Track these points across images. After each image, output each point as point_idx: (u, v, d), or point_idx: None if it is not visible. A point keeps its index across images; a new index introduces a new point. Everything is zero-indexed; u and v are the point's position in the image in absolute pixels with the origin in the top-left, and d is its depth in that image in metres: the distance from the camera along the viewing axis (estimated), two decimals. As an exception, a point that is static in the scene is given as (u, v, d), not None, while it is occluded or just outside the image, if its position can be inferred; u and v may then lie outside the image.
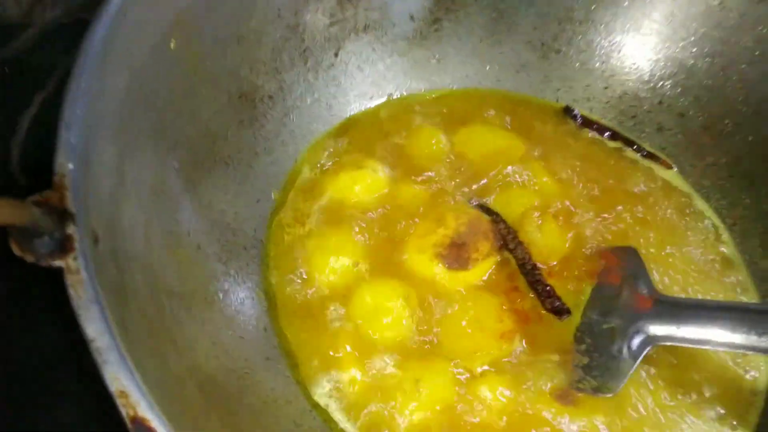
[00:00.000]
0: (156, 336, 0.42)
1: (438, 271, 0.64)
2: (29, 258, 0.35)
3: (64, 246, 0.36)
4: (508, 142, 0.78)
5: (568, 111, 0.81)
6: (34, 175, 0.69)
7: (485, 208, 0.70)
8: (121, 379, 0.34)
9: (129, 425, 0.33)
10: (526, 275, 0.63)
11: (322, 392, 0.56)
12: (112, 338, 0.35)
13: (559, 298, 0.61)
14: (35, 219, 0.35)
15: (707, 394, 0.60)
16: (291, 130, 0.70)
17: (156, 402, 0.34)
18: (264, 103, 0.66)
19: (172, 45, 0.54)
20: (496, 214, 0.69)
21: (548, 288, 0.61)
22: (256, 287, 0.59)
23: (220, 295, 0.54)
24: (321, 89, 0.73)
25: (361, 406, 0.56)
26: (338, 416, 0.55)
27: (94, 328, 0.34)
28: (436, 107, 0.79)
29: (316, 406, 0.55)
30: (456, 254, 0.65)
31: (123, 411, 0.33)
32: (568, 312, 0.60)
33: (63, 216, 0.37)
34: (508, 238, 0.66)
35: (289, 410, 0.53)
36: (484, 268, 0.65)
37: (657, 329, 0.58)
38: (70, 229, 0.36)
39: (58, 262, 0.35)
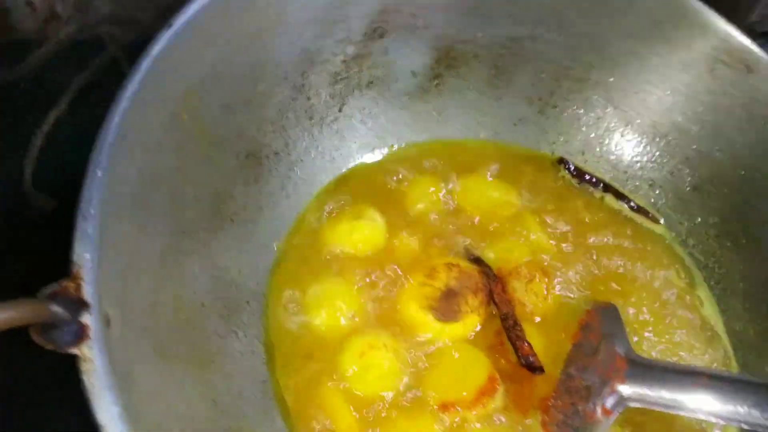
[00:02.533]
0: (160, 408, 0.46)
1: (428, 322, 0.68)
2: (50, 347, 0.39)
3: (79, 334, 0.40)
4: (505, 194, 0.81)
5: (562, 162, 0.85)
6: (48, 193, 0.72)
7: (477, 260, 0.73)
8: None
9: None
10: (507, 330, 0.66)
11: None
12: (123, 424, 0.39)
13: (533, 355, 0.64)
14: (53, 314, 0.39)
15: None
16: (295, 183, 0.73)
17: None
18: (270, 160, 0.70)
19: (184, 118, 0.57)
20: (487, 267, 0.72)
21: (525, 344, 0.65)
22: (255, 340, 0.63)
23: (222, 352, 0.58)
24: (325, 143, 0.76)
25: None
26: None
27: (105, 416, 0.38)
28: (435, 158, 0.82)
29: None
30: (446, 306, 0.68)
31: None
32: (540, 369, 0.64)
33: (79, 305, 0.41)
34: (495, 292, 0.70)
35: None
36: (473, 322, 0.69)
37: (630, 390, 0.61)
38: (85, 318, 0.41)
39: (73, 350, 0.40)
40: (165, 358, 0.50)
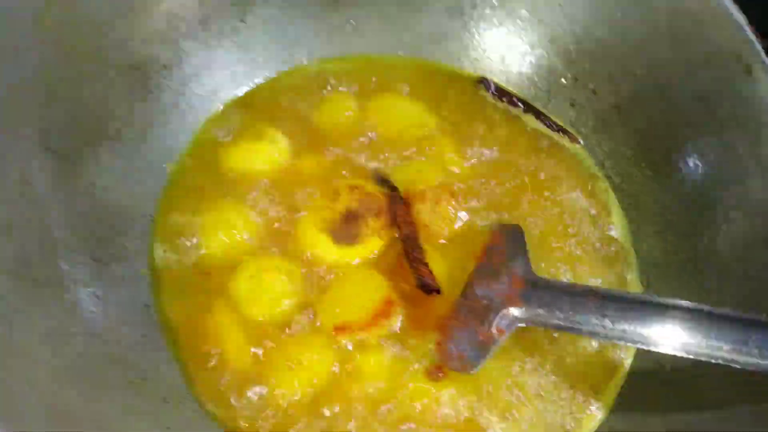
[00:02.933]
0: (10, 324, 0.44)
1: (326, 245, 0.66)
2: None
3: None
4: (420, 114, 0.78)
5: (482, 81, 0.81)
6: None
7: (384, 180, 0.71)
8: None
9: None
10: (407, 252, 0.65)
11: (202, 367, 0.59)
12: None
13: (431, 276, 0.63)
14: None
15: (567, 372, 0.64)
16: (189, 100, 0.69)
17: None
18: (159, 74, 0.66)
19: (47, 24, 0.52)
20: (394, 189, 0.70)
21: (423, 266, 0.64)
22: (141, 265, 0.61)
23: (97, 276, 0.56)
24: (224, 57, 0.72)
25: (241, 387, 0.59)
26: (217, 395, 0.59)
27: None
28: (348, 76, 0.78)
29: (190, 382, 0.58)
30: (345, 229, 0.67)
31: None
32: (437, 291, 0.63)
33: None
34: (398, 214, 0.68)
35: (160, 387, 0.56)
36: (373, 245, 0.67)
37: (522, 311, 0.61)
38: None
39: None
40: (23, 281, 0.47)
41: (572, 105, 0.81)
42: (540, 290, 0.62)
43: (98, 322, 0.53)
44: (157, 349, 0.58)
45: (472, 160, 0.75)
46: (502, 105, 0.81)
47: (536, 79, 0.82)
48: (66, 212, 0.55)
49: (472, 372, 0.61)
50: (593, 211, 0.76)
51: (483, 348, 0.61)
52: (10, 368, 0.42)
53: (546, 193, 0.75)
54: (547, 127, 0.80)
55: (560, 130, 0.81)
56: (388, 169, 0.72)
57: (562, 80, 0.81)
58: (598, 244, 0.73)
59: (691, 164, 0.71)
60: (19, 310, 0.46)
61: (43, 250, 0.51)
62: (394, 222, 0.68)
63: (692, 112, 0.71)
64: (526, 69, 0.82)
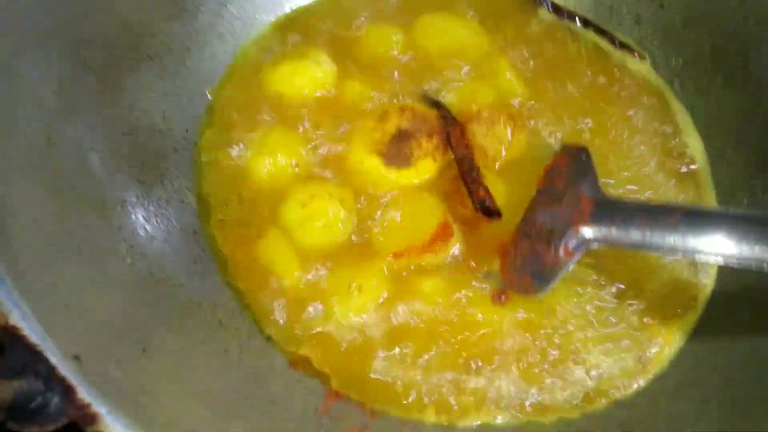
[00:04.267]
0: (51, 244, 0.41)
1: (377, 168, 0.62)
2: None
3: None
4: (471, 33, 0.73)
5: (538, -3, 0.75)
6: None
7: (435, 103, 0.66)
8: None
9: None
10: (463, 174, 0.61)
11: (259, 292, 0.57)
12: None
13: (490, 198, 0.59)
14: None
15: (643, 297, 0.60)
16: (229, 21, 0.65)
17: (33, 310, 0.34)
18: (196, -7, 0.62)
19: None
20: (446, 110, 0.65)
21: (480, 188, 0.59)
22: (186, 190, 0.58)
23: (143, 198, 0.54)
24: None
25: (298, 312, 0.57)
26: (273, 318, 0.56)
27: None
28: (395, -4, 0.73)
29: (246, 307, 0.56)
30: (397, 151, 0.62)
31: (-7, 321, 0.33)
32: (498, 214, 0.59)
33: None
34: (452, 135, 0.63)
35: (215, 313, 0.53)
36: (427, 167, 0.63)
37: (593, 232, 0.56)
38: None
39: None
40: (62, 198, 0.45)
41: (637, 22, 0.75)
42: (611, 209, 0.57)
43: (147, 246, 0.51)
44: (209, 275, 0.55)
45: (530, 81, 0.70)
46: (561, 22, 0.75)
47: (596, -7, 0.76)
48: (107, 132, 0.52)
49: (539, 296, 0.56)
50: (667, 130, 0.69)
51: (550, 271, 0.57)
52: (55, 285, 0.40)
53: (612, 114, 0.69)
54: (611, 43, 0.74)
55: (624, 46, 0.74)
56: (441, 90, 0.68)
57: (625, -6, 0.75)
58: (671, 165, 0.68)
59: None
60: (63, 231, 0.43)
61: (85, 170, 0.49)
62: (448, 144, 0.63)
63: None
64: (585, -17, 0.76)
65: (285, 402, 0.50)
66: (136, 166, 0.54)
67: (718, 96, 0.69)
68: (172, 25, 0.60)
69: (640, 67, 0.74)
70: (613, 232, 0.56)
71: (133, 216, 0.52)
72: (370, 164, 0.62)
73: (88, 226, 0.46)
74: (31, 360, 0.33)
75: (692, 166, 0.67)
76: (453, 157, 0.63)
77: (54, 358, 0.34)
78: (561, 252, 0.57)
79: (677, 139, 0.69)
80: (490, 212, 0.59)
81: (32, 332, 0.34)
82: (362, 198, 0.61)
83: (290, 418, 0.49)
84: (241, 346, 0.52)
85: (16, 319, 0.34)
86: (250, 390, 0.49)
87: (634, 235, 0.55)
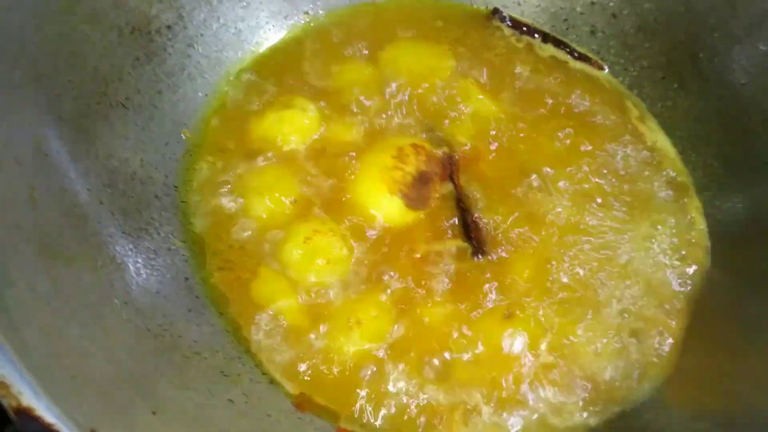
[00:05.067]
0: (50, 311, 0.39)
1: (400, 209, 0.62)
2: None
3: None
4: (438, 57, 0.74)
5: (496, 12, 0.77)
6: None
7: (440, 141, 0.67)
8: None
9: (13, 418, 0.32)
10: (464, 212, 0.62)
11: (257, 333, 0.56)
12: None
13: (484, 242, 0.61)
14: None
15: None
16: (197, 61, 0.64)
17: (45, 388, 0.33)
18: (162, 35, 0.61)
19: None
20: (451, 148, 0.66)
21: (481, 230, 0.61)
22: (172, 236, 0.57)
23: (130, 251, 0.52)
24: (227, 13, 0.67)
25: (298, 345, 0.56)
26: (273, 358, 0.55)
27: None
28: (357, 25, 0.74)
29: (246, 351, 0.55)
30: (418, 194, 0.62)
31: (5, 403, 0.32)
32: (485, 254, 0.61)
33: None
34: (455, 175, 0.64)
35: (216, 361, 0.52)
36: (440, 210, 0.63)
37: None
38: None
39: None
40: (54, 258, 0.43)
41: (593, 33, 0.78)
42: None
43: (140, 299, 0.50)
44: (205, 321, 0.54)
45: (502, 98, 0.71)
46: (519, 37, 0.77)
47: (551, 8, 0.78)
48: (87, 184, 0.50)
49: None
50: (634, 133, 0.72)
51: None
52: (59, 355, 0.38)
53: (579, 122, 0.72)
54: (569, 54, 0.77)
55: (582, 57, 0.77)
56: (431, 121, 0.68)
57: (578, 8, 0.78)
58: (645, 167, 0.69)
59: (727, 71, 0.68)
60: (58, 294, 0.41)
61: (71, 225, 0.47)
62: (452, 182, 0.64)
63: (719, 17, 0.68)
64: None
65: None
66: (120, 218, 0.52)
67: (677, 99, 0.73)
68: (141, 70, 0.59)
69: (599, 75, 0.76)
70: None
71: (123, 270, 0.50)
72: (391, 205, 0.62)
73: (81, 287, 0.44)
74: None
75: (669, 172, 0.70)
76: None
77: (71, 434, 0.32)
78: None
79: (647, 143, 0.72)
80: (483, 252, 0.60)
81: (47, 412, 0.32)
82: (360, 235, 0.61)
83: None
84: (245, 394, 0.51)
85: (29, 399, 0.32)
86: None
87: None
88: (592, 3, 0.77)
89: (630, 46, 0.76)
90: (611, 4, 0.75)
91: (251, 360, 0.54)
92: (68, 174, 0.48)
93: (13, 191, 0.42)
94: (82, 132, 0.51)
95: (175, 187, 0.59)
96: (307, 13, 0.73)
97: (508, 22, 0.77)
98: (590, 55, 0.77)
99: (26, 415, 0.32)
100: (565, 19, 0.78)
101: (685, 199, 0.67)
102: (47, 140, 0.47)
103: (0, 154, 0.42)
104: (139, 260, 0.52)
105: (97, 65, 0.54)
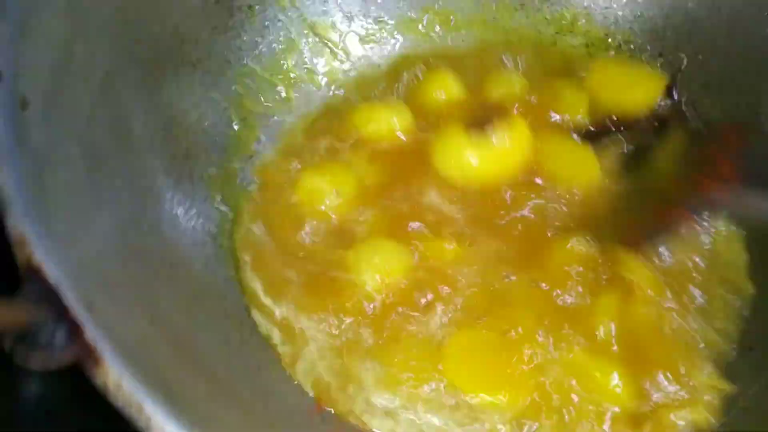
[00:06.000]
0: (82, 203, 0.43)
1: None
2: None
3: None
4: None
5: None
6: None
7: None
8: (24, 224, 0.35)
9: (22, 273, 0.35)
10: None
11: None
12: (24, 190, 0.36)
13: None
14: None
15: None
16: (271, 44, 0.69)
17: (58, 254, 0.36)
18: (242, 12, 0.67)
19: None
20: None
21: None
22: (212, 195, 0.61)
23: (169, 187, 0.56)
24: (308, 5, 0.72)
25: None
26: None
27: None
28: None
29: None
30: None
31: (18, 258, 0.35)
32: None
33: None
34: None
35: (223, 303, 0.55)
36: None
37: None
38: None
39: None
40: (98, 172, 0.47)
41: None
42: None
43: (168, 231, 0.54)
44: (221, 273, 0.57)
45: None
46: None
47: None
48: (144, 120, 0.55)
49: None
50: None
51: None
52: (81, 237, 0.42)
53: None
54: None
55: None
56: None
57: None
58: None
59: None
60: (94, 191, 0.46)
61: (120, 147, 0.51)
62: None
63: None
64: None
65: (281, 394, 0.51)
66: (166, 158, 0.57)
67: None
68: (216, 38, 0.64)
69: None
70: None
71: (159, 200, 0.54)
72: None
73: (117, 196, 0.48)
74: (46, 298, 0.34)
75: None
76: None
77: (68, 301, 0.35)
78: None
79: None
80: None
81: (52, 272, 0.35)
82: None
83: (284, 410, 0.50)
84: (242, 340, 0.53)
85: (38, 257, 0.35)
86: (250, 378, 0.50)
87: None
88: (660, 54, 0.77)
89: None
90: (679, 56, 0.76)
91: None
92: (128, 106, 0.53)
93: (75, 102, 0.47)
94: (150, 76, 0.57)
95: (226, 153, 0.64)
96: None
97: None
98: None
99: (32, 269, 0.35)
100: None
101: None
102: (116, 72, 0.52)
103: (74, 69, 0.47)
104: (175, 199, 0.56)
105: (178, 24, 0.60)
